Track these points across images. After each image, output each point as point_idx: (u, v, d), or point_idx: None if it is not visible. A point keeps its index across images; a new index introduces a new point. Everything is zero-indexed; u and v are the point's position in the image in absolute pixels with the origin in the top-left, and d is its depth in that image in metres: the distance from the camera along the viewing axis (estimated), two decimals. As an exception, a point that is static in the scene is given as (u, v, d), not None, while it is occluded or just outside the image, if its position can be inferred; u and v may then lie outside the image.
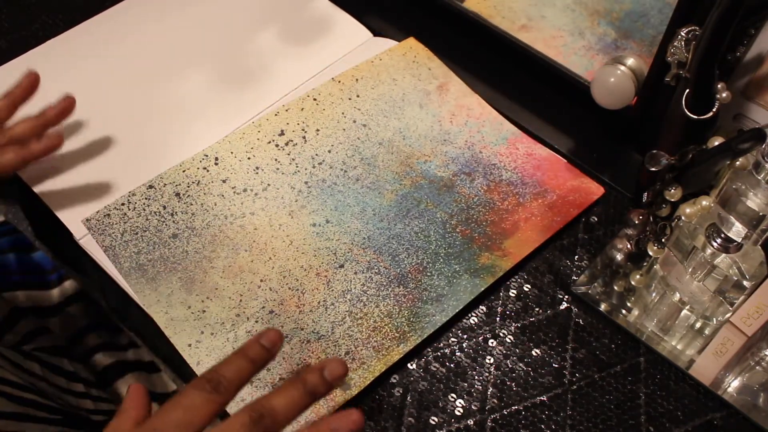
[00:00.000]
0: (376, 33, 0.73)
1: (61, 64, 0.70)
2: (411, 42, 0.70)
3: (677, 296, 0.53)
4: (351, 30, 0.73)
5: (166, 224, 0.57)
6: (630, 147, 0.65)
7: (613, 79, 0.56)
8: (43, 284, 0.59)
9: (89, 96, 0.61)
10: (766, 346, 0.53)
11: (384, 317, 0.54)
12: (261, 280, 0.55)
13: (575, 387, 0.53)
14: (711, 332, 0.53)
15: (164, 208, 0.58)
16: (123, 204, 0.58)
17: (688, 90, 0.52)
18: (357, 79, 0.67)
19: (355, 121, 0.64)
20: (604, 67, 0.57)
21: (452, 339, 0.55)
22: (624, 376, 0.53)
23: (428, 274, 0.56)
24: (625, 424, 0.51)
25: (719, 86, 0.51)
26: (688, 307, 0.53)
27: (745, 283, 0.49)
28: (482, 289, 0.55)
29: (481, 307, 0.56)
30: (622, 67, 0.56)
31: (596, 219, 0.61)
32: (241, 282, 0.55)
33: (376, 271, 0.56)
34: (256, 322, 0.53)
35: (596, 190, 0.61)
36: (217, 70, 0.70)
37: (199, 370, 0.51)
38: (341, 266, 0.56)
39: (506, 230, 0.58)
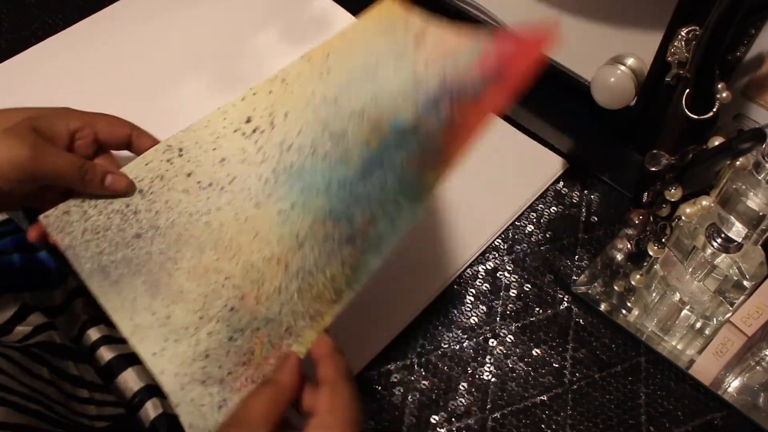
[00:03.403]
0: (376, 33, 0.73)
1: (60, 63, 0.70)
2: (387, 4, 0.64)
3: (677, 296, 0.53)
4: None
5: (129, 223, 0.54)
6: (630, 147, 0.65)
7: (613, 79, 0.56)
8: (48, 284, 0.59)
9: (88, 95, 0.61)
10: (766, 346, 0.53)
11: (327, 282, 0.50)
12: (225, 278, 0.52)
13: (575, 387, 0.53)
14: (711, 332, 0.53)
15: (127, 206, 0.54)
16: (84, 201, 0.54)
17: (688, 90, 0.52)
18: (328, 54, 0.61)
19: (325, 98, 0.60)
20: (604, 67, 0.57)
21: (453, 338, 0.55)
22: (624, 376, 0.53)
23: (374, 223, 0.52)
24: (626, 423, 0.51)
25: (719, 86, 0.51)
26: (688, 307, 0.53)
27: (745, 283, 0.49)
28: (419, 210, 0.50)
29: (481, 306, 0.56)
30: (622, 67, 0.56)
31: (596, 219, 0.61)
32: (206, 283, 0.52)
33: (331, 239, 0.52)
34: (218, 322, 0.50)
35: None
36: (217, 69, 0.70)
37: (162, 380, 0.48)
38: (301, 246, 0.53)
39: (459, 137, 0.52)
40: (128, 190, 0.55)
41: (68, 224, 0.53)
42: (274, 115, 0.59)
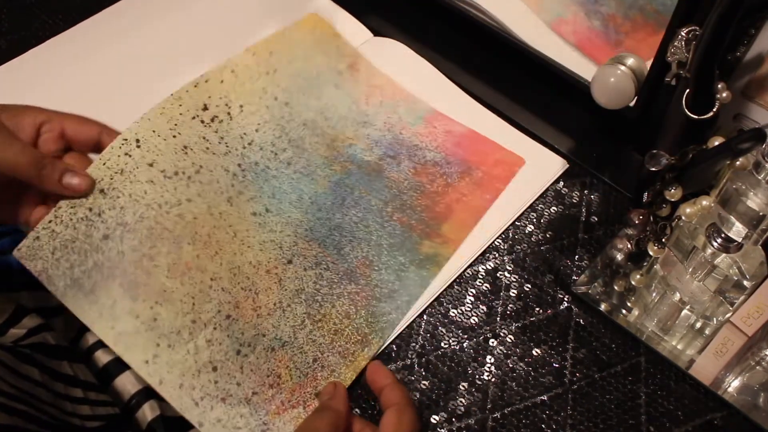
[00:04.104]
0: (376, 33, 0.73)
1: (60, 64, 0.70)
2: (315, 18, 0.66)
3: (677, 296, 0.53)
4: (351, 29, 0.73)
5: (95, 227, 0.51)
6: (630, 147, 0.65)
7: (613, 79, 0.56)
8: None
9: (88, 96, 0.61)
10: (766, 346, 0.53)
11: (343, 318, 0.53)
12: (211, 279, 0.52)
13: (576, 387, 0.53)
14: (711, 332, 0.53)
15: (90, 210, 0.51)
16: (50, 221, 0.51)
17: (688, 90, 0.52)
18: (271, 52, 0.63)
19: (276, 99, 0.62)
20: (604, 67, 0.57)
21: (453, 338, 0.55)
22: (624, 376, 0.53)
23: (375, 268, 0.55)
24: (626, 423, 0.51)
25: (719, 86, 0.51)
26: (688, 307, 0.53)
27: (745, 283, 0.49)
28: (431, 281, 0.55)
29: (481, 306, 0.56)
30: (622, 67, 0.56)
31: (596, 219, 0.61)
32: (191, 282, 0.51)
33: (325, 266, 0.55)
34: (215, 329, 0.50)
35: (518, 161, 0.61)
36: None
37: (162, 390, 0.47)
38: (289, 262, 0.55)
39: (440, 214, 0.58)
40: (89, 190, 0.52)
41: (39, 249, 0.51)
42: (230, 105, 0.59)
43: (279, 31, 0.64)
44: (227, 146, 0.57)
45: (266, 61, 0.63)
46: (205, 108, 0.58)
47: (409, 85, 0.68)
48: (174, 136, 0.55)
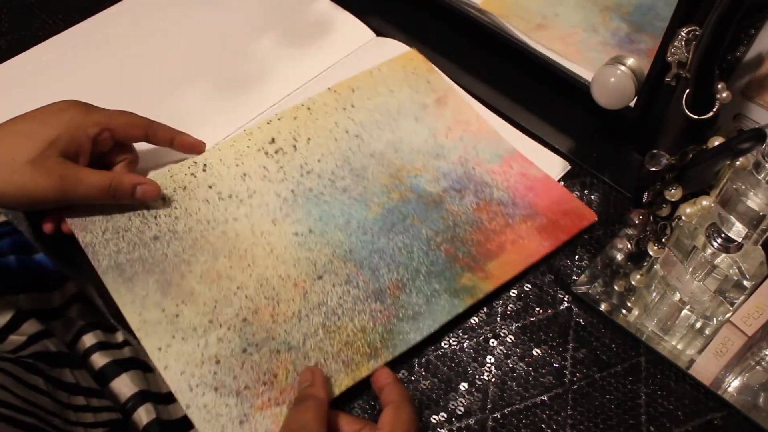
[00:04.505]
0: (378, 33, 0.73)
1: (60, 64, 0.70)
2: (412, 54, 0.69)
3: (677, 296, 0.53)
4: (354, 30, 0.73)
5: (148, 226, 0.57)
6: (630, 147, 0.65)
7: (613, 79, 0.56)
8: (45, 286, 0.59)
9: (89, 96, 0.61)
10: (766, 346, 0.53)
11: (357, 332, 0.52)
12: (237, 287, 0.54)
13: (576, 387, 0.53)
14: (711, 332, 0.54)
15: (148, 209, 0.58)
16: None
17: (688, 90, 0.52)
18: (353, 90, 0.66)
19: (347, 132, 0.63)
20: (604, 67, 0.57)
21: (453, 338, 0.55)
22: (624, 376, 0.53)
23: (407, 291, 0.54)
24: (626, 423, 0.51)
25: (719, 86, 0.51)
26: (688, 307, 0.53)
27: (745, 283, 0.49)
28: (460, 310, 0.54)
29: (481, 306, 0.56)
30: (622, 67, 0.56)
31: (596, 219, 0.61)
32: (218, 288, 0.54)
33: (355, 284, 0.55)
34: (228, 329, 0.52)
35: (589, 215, 0.60)
36: (218, 71, 0.70)
37: (166, 375, 0.50)
38: (320, 277, 0.55)
39: (491, 251, 0.57)
40: (158, 196, 0.58)
41: (91, 223, 0.56)
42: (297, 139, 0.63)
43: (368, 69, 0.68)
44: (284, 174, 0.61)
45: (346, 98, 0.66)
46: (273, 141, 0.63)
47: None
48: (237, 165, 0.61)
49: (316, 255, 0.56)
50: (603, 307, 0.56)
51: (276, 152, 0.62)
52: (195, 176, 0.60)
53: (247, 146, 0.62)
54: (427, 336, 0.53)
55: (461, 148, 0.63)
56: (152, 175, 0.60)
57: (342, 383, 0.50)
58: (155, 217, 0.57)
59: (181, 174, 0.60)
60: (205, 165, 0.61)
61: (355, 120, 0.64)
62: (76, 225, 0.56)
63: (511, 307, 0.56)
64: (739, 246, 0.47)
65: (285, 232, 0.57)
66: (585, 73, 0.61)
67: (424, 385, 0.53)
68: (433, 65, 0.69)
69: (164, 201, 0.58)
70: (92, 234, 0.56)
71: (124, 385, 0.56)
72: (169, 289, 0.54)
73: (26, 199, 0.52)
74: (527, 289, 0.57)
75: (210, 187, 0.60)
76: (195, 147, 0.61)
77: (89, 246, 0.55)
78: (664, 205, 0.53)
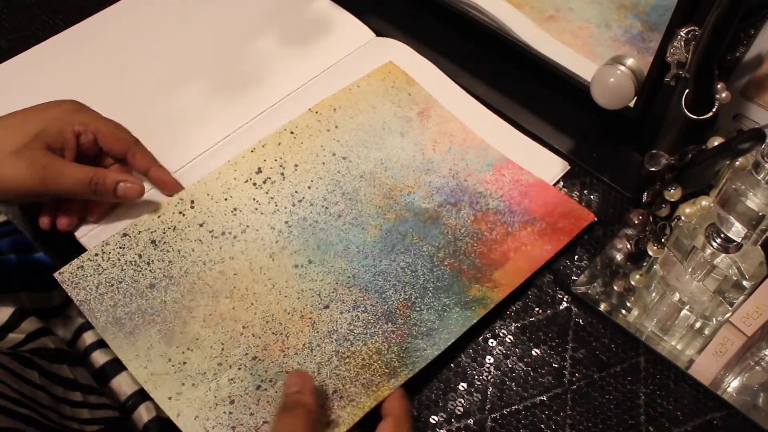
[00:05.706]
0: (378, 33, 0.73)
1: (60, 64, 0.70)
2: (389, 66, 0.68)
3: (677, 296, 0.53)
4: (354, 30, 0.73)
5: (142, 274, 0.55)
6: (630, 147, 0.65)
7: (613, 79, 0.56)
8: (45, 285, 0.59)
9: (88, 96, 0.61)
10: (765, 346, 0.53)
11: (373, 354, 0.52)
12: (243, 327, 0.53)
13: (575, 387, 0.53)
14: (711, 332, 0.54)
15: (140, 256, 0.56)
16: (96, 255, 0.55)
17: (688, 90, 0.52)
18: (335, 109, 0.65)
19: (334, 154, 0.62)
20: (604, 67, 0.57)
21: (452, 339, 0.55)
22: (624, 376, 0.53)
23: (417, 309, 0.54)
24: (625, 424, 0.51)
25: (719, 86, 0.51)
26: (687, 307, 0.53)
27: (744, 283, 0.49)
28: (474, 321, 0.53)
29: (481, 307, 0.56)
30: (622, 67, 0.56)
31: (596, 219, 0.61)
32: (223, 330, 0.53)
33: (363, 309, 0.54)
34: (239, 369, 0.51)
35: (586, 216, 0.59)
36: (217, 71, 0.70)
37: (179, 422, 0.49)
38: (326, 307, 0.54)
39: (496, 261, 0.57)
40: (142, 194, 0.57)
41: (83, 279, 0.54)
42: (285, 166, 0.62)
43: (347, 86, 0.66)
44: (276, 205, 0.60)
45: (328, 118, 0.64)
46: (259, 171, 0.61)
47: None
48: (225, 199, 0.59)
49: (320, 285, 0.55)
50: (602, 307, 0.56)
51: (264, 182, 0.60)
52: (184, 214, 0.58)
53: (234, 178, 0.60)
54: (444, 349, 0.52)
55: (450, 160, 0.63)
56: (139, 218, 0.58)
57: (365, 404, 0.50)
58: (148, 263, 0.55)
59: (168, 213, 0.58)
60: (192, 201, 0.59)
61: (341, 141, 0.63)
62: (67, 282, 0.54)
63: (510, 307, 0.56)
64: (739, 246, 0.47)
65: (284, 266, 0.56)
66: (591, 66, 0.61)
67: (424, 385, 0.53)
68: (411, 77, 0.68)
69: (155, 245, 0.56)
70: (85, 290, 0.54)
71: (124, 384, 0.56)
72: (173, 337, 0.53)
73: (8, 189, 0.51)
74: (526, 290, 0.57)
75: (201, 225, 0.58)
76: (168, 185, 0.59)
77: (84, 303, 0.53)
78: (664, 205, 0.53)
